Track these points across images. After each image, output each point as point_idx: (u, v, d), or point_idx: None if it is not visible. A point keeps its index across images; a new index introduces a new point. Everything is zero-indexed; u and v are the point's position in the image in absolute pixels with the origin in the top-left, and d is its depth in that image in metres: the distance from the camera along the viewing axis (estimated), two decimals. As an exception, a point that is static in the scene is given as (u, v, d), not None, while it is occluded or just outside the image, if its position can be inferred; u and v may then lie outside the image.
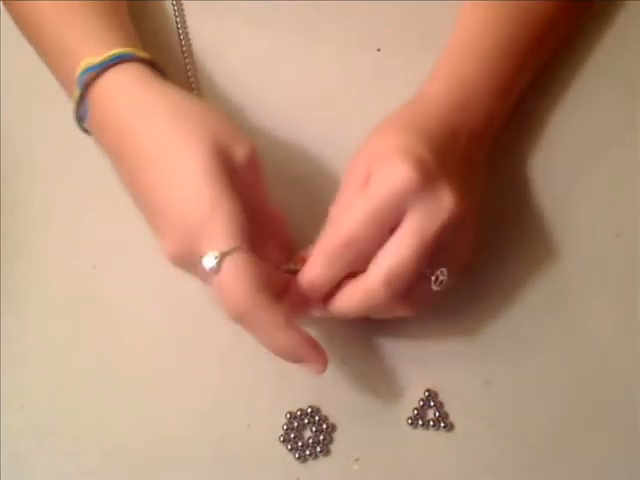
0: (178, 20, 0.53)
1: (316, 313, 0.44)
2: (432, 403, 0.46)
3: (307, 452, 0.45)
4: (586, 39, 0.53)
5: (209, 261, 0.39)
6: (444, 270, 0.42)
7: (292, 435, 0.45)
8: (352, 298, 0.42)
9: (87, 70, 0.44)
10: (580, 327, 0.47)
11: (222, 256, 0.39)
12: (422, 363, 0.47)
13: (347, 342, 0.47)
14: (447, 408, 0.46)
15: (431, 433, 0.46)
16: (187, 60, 0.52)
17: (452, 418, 0.46)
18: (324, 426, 0.45)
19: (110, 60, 0.44)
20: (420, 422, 0.45)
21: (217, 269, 0.39)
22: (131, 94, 0.43)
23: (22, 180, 0.50)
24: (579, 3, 0.51)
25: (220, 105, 0.51)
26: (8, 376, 0.47)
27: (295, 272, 0.43)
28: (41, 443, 0.46)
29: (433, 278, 0.42)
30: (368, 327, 0.47)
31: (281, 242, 0.46)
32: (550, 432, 0.46)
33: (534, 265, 0.48)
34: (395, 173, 0.41)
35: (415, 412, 0.46)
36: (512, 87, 0.48)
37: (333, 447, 0.45)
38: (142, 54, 0.45)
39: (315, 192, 0.49)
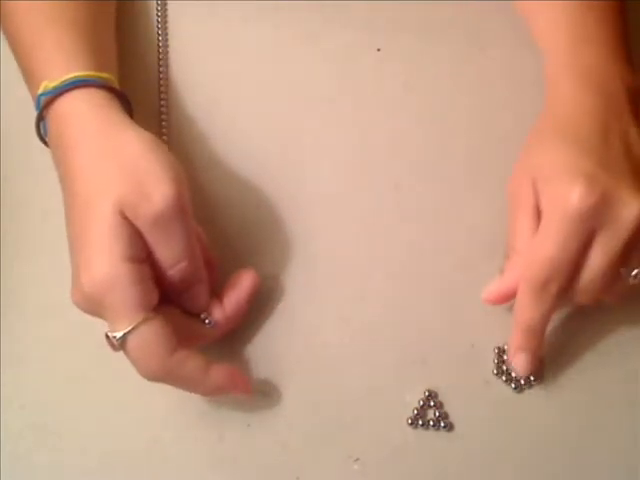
0: (159, 20, 0.53)
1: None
2: (432, 403, 0.46)
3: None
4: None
5: (113, 340, 0.40)
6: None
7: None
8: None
9: (44, 93, 0.44)
10: (582, 330, 0.47)
11: (125, 336, 0.40)
12: (422, 363, 0.47)
13: (346, 342, 0.47)
14: (447, 408, 0.46)
15: (431, 433, 0.46)
16: (161, 66, 0.52)
17: (452, 418, 0.46)
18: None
19: (65, 85, 0.43)
20: (420, 422, 0.45)
21: (121, 348, 0.40)
22: (78, 125, 0.43)
23: (22, 180, 0.50)
24: None
25: (217, 105, 0.51)
26: (8, 376, 0.47)
27: (207, 323, 0.44)
28: (41, 443, 0.46)
29: (633, 274, 0.43)
30: (367, 327, 0.47)
31: (205, 287, 0.45)
32: (550, 432, 0.46)
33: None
34: (568, 196, 0.41)
35: (415, 412, 0.46)
36: (628, 53, 0.48)
37: (331, 448, 0.45)
38: (103, 76, 0.45)
39: (314, 191, 0.49)
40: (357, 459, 0.45)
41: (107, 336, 0.40)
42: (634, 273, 0.43)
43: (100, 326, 0.47)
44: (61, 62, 0.44)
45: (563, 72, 0.47)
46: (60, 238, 0.49)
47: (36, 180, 0.50)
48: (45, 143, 0.46)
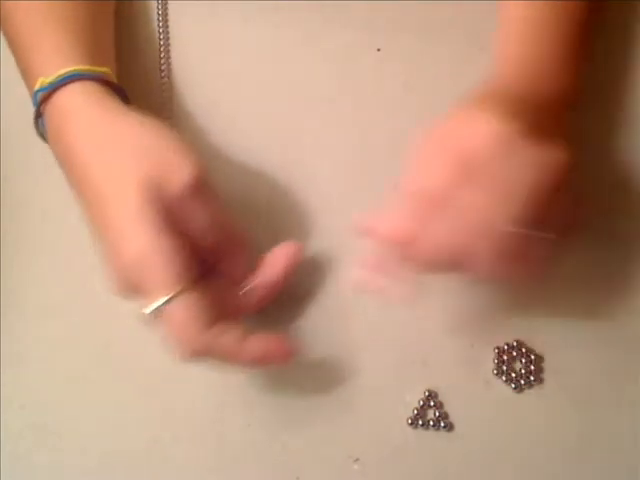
0: (160, 19, 0.53)
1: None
2: (432, 403, 0.46)
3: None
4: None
5: (152, 310, 0.40)
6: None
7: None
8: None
9: (40, 90, 0.44)
10: (583, 330, 0.47)
11: (163, 305, 0.40)
12: (422, 363, 0.47)
13: (346, 342, 0.47)
14: (447, 408, 0.46)
15: (431, 433, 0.46)
16: (162, 61, 0.52)
17: (452, 418, 0.46)
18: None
19: (60, 80, 0.43)
20: (420, 422, 0.45)
21: (160, 316, 0.40)
22: (75, 118, 0.43)
23: (22, 180, 0.50)
24: None
25: (217, 105, 0.51)
26: (8, 376, 0.47)
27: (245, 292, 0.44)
28: (41, 443, 0.46)
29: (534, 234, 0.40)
30: (367, 327, 0.47)
31: (237, 245, 0.45)
32: (550, 432, 0.46)
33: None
34: (483, 126, 0.40)
35: (415, 412, 0.46)
36: (576, 58, 0.47)
37: (331, 448, 0.45)
38: (99, 70, 0.45)
39: (314, 191, 0.49)
40: (357, 459, 0.45)
41: (146, 309, 0.40)
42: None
43: (100, 326, 0.47)
44: (57, 58, 0.44)
45: (506, 62, 0.46)
46: (60, 238, 0.49)
47: (36, 180, 0.50)
48: (44, 139, 0.46)
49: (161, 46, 0.53)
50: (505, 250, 0.40)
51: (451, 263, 0.41)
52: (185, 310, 0.40)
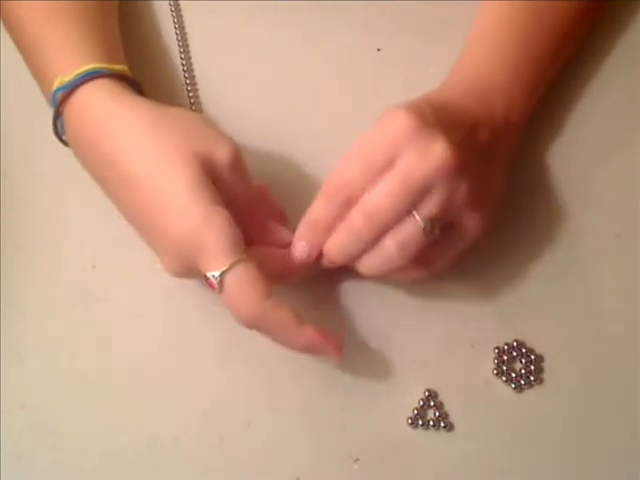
0: (176, 20, 0.53)
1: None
2: (432, 403, 0.46)
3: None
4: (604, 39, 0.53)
5: (212, 281, 0.40)
6: (436, 222, 0.42)
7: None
8: (338, 238, 0.43)
9: (59, 89, 0.44)
10: (583, 330, 0.47)
11: (223, 274, 0.40)
12: (422, 363, 0.47)
13: (346, 342, 0.47)
14: (447, 408, 0.46)
15: (431, 433, 0.46)
16: (184, 61, 0.52)
17: (452, 418, 0.46)
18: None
19: (80, 78, 0.44)
20: (420, 422, 0.45)
21: (220, 287, 0.40)
22: (101, 112, 0.43)
23: (22, 180, 0.50)
24: (596, 3, 0.51)
25: (217, 105, 0.51)
26: (8, 376, 0.47)
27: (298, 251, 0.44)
28: (41, 443, 0.46)
29: (422, 226, 0.41)
30: (367, 327, 0.47)
31: (276, 216, 0.46)
32: (550, 432, 0.46)
33: (539, 267, 0.48)
34: (390, 118, 0.41)
35: (415, 412, 0.46)
36: (533, 84, 0.48)
37: (331, 448, 0.45)
38: (117, 67, 0.45)
39: (313, 191, 0.49)
40: (357, 459, 0.45)
41: (206, 277, 0.41)
42: (429, 222, 0.41)
43: (100, 326, 0.47)
44: (73, 56, 0.44)
45: (460, 70, 0.47)
46: (60, 238, 0.49)
47: (36, 180, 0.50)
48: (62, 141, 0.46)
49: (180, 46, 0.53)
50: (408, 252, 0.42)
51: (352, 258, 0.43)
52: (242, 279, 0.40)
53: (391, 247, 0.42)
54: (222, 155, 0.43)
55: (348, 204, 0.43)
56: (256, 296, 0.40)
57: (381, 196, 0.41)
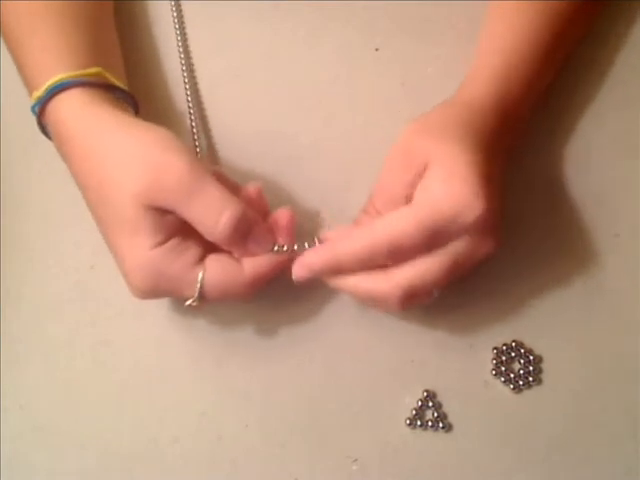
0: (176, 20, 0.53)
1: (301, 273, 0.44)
2: (431, 404, 0.46)
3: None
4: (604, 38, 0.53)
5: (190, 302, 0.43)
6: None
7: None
8: (361, 287, 0.43)
9: (35, 104, 0.45)
10: (581, 331, 0.47)
11: (199, 295, 0.42)
12: (421, 363, 0.47)
13: (346, 342, 0.47)
14: (446, 408, 0.46)
15: (430, 433, 0.46)
16: (183, 61, 0.52)
17: (451, 418, 0.46)
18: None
19: (49, 92, 0.44)
20: (419, 422, 0.45)
21: (201, 301, 0.43)
22: (67, 130, 0.44)
23: (22, 180, 0.51)
24: (597, 2, 0.50)
25: (217, 105, 0.51)
26: (8, 376, 0.47)
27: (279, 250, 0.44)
28: (41, 443, 0.46)
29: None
30: (366, 326, 0.47)
31: (265, 219, 0.45)
32: (548, 432, 0.46)
33: (538, 267, 0.48)
34: (470, 203, 0.40)
35: (414, 412, 0.46)
36: (537, 81, 0.47)
37: (330, 448, 0.45)
38: (89, 72, 0.45)
39: (312, 190, 0.49)
40: (356, 459, 0.45)
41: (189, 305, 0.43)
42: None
43: (100, 326, 0.47)
44: (44, 66, 0.45)
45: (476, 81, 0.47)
46: (60, 238, 0.49)
47: (36, 180, 0.50)
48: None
49: (180, 47, 0.53)
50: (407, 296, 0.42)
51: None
52: (218, 279, 0.42)
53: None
54: (169, 180, 0.41)
55: (384, 263, 0.42)
56: (233, 278, 0.42)
57: (427, 275, 0.42)
